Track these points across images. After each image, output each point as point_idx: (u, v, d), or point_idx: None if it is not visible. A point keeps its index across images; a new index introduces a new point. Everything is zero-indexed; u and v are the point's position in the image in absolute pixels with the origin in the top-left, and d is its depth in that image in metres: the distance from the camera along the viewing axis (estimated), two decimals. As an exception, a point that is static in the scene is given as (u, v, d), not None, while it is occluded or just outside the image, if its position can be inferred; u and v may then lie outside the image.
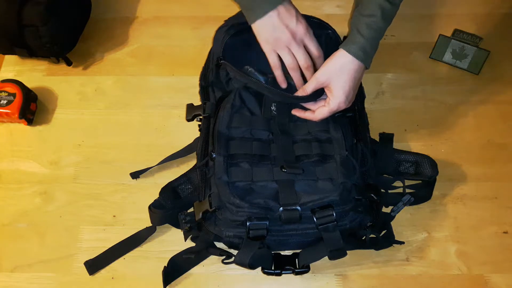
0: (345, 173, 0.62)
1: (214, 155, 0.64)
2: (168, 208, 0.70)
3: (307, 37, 0.66)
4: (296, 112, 0.69)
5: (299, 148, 0.66)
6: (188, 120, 0.74)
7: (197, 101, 0.80)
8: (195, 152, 0.75)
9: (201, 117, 0.73)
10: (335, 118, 0.68)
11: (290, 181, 0.62)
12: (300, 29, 0.65)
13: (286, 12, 0.64)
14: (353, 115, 0.71)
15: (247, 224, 0.59)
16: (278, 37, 0.64)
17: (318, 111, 0.66)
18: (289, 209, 0.59)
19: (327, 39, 0.75)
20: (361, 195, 0.63)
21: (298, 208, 0.59)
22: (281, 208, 0.59)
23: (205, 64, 0.80)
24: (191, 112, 0.75)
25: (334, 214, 0.59)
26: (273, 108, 0.70)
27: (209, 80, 0.76)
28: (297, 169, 0.63)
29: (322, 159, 0.64)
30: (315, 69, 0.68)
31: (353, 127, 0.71)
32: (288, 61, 0.66)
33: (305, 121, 0.69)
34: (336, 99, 0.64)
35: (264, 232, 0.59)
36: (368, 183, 0.66)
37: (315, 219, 0.59)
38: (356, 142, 0.69)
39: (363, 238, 0.66)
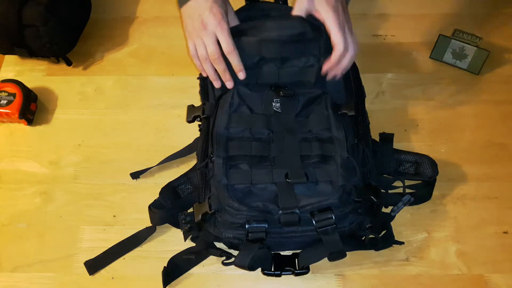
0: (345, 175, 0.61)
1: (213, 158, 0.64)
2: (168, 208, 0.70)
3: (218, 30, 0.65)
4: (324, 67, 0.67)
5: (300, 148, 0.65)
6: (189, 121, 0.74)
7: (197, 101, 0.80)
8: (195, 152, 0.75)
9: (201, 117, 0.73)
10: (337, 116, 0.67)
11: (290, 184, 0.62)
12: (211, 20, 0.64)
13: (204, 2, 0.64)
14: (355, 114, 0.70)
15: (246, 227, 0.59)
16: (193, 26, 0.66)
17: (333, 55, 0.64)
18: (288, 212, 0.59)
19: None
20: (361, 197, 0.62)
21: (297, 211, 0.59)
22: (280, 211, 0.59)
23: None
24: (192, 114, 0.74)
25: (333, 217, 0.58)
26: (276, 104, 0.68)
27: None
28: (301, 178, 0.62)
29: (322, 160, 0.64)
30: (229, 66, 0.68)
31: (355, 127, 0.70)
32: (199, 51, 0.67)
33: (307, 117, 0.68)
34: (327, 15, 0.63)
35: (263, 234, 0.59)
36: (368, 183, 0.66)
37: (314, 222, 0.58)
38: (358, 142, 0.68)
39: (362, 239, 0.66)
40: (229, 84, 0.69)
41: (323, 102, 0.68)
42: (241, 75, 0.68)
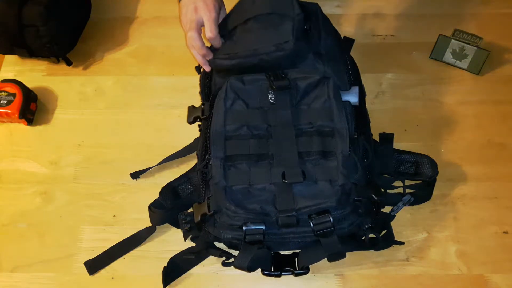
0: (345, 174, 0.60)
1: (210, 159, 0.63)
2: (168, 208, 0.70)
3: (206, 15, 0.68)
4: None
5: (300, 144, 0.63)
6: (190, 122, 0.73)
7: (197, 101, 0.80)
8: (195, 152, 0.75)
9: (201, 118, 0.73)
10: (340, 106, 0.64)
11: (288, 184, 0.61)
12: (201, 5, 0.68)
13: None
14: (357, 105, 0.67)
15: (244, 229, 0.58)
16: (186, 16, 0.70)
17: None
18: (286, 215, 0.58)
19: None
20: (361, 196, 0.61)
21: (295, 213, 0.58)
22: (277, 213, 0.58)
23: None
24: (192, 115, 0.73)
25: (331, 220, 0.57)
26: (271, 96, 0.66)
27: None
28: (297, 177, 0.61)
29: (323, 157, 0.62)
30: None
31: (356, 121, 0.67)
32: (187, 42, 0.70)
33: (307, 106, 0.66)
34: None
35: (261, 236, 0.58)
36: (369, 180, 0.65)
37: (311, 225, 0.58)
38: (358, 136, 0.66)
39: (362, 239, 0.66)
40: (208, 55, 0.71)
41: (325, 88, 0.65)
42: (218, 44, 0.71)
